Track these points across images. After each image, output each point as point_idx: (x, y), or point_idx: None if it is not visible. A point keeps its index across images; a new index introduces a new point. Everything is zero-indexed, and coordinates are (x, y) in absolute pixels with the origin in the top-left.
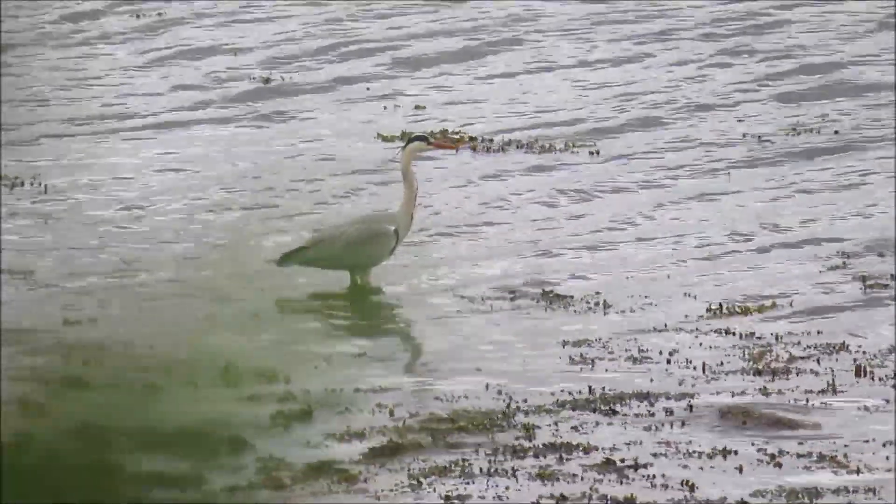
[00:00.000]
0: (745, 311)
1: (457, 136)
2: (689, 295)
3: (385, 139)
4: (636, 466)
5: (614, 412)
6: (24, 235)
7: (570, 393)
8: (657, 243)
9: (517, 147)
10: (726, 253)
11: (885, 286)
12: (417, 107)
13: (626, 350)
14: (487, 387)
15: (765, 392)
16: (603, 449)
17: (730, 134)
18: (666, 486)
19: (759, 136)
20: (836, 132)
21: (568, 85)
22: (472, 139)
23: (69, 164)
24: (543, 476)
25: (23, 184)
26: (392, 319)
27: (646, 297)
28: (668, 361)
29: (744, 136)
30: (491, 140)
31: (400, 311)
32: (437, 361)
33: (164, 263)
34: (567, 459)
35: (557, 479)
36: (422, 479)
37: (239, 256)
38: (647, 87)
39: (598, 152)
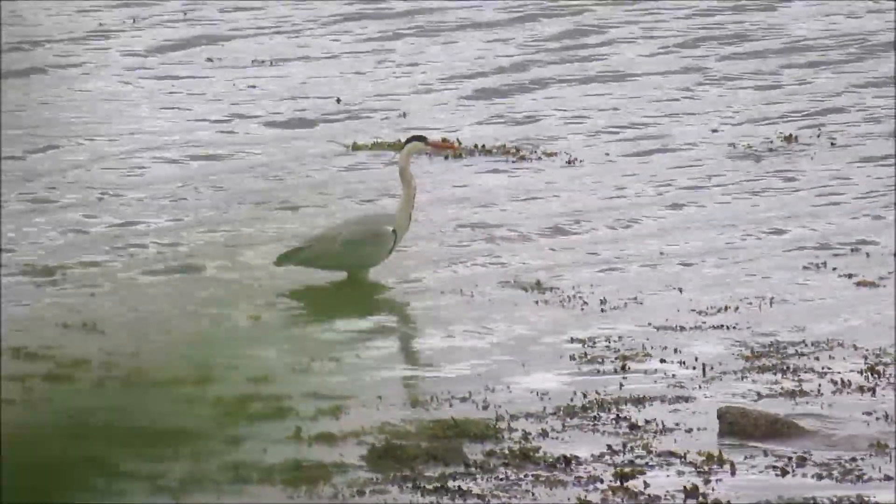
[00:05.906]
0: (736, 310)
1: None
2: (682, 293)
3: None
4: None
5: (609, 415)
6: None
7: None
8: (652, 242)
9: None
10: (712, 253)
11: (873, 284)
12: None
13: (631, 349)
14: (488, 387)
15: (761, 394)
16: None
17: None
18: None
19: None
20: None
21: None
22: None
23: None
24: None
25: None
26: (390, 320)
27: (636, 295)
28: (663, 361)
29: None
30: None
31: (398, 312)
32: (434, 362)
33: (160, 264)
34: (574, 467)
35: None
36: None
37: (235, 257)
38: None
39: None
